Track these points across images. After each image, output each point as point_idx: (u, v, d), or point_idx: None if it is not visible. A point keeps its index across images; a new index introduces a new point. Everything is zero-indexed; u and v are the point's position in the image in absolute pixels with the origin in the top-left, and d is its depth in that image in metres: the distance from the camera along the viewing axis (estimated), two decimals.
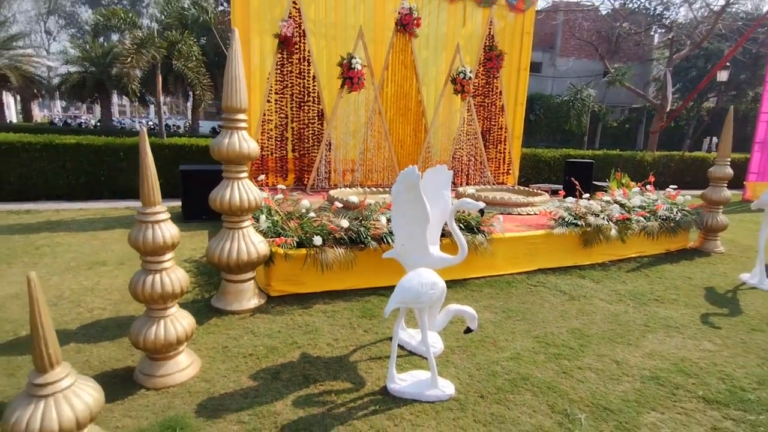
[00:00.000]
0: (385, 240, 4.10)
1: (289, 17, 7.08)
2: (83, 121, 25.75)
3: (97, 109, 22.74)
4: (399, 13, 7.57)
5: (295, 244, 3.88)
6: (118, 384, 2.61)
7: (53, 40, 46.34)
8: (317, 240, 3.84)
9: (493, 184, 8.62)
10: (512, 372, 2.90)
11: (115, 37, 17.99)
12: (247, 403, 2.49)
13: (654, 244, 5.73)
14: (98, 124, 21.78)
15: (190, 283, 3.84)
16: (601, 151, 12.55)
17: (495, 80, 8.71)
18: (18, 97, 21.96)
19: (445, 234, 3.61)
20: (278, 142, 7.52)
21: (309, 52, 7.35)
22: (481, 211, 4.04)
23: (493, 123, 8.94)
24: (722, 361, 3.18)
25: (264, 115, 7.29)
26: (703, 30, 13.54)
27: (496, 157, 9.10)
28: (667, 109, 13.37)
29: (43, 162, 7.78)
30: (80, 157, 7.95)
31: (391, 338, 3.22)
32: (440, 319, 2.65)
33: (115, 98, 25.19)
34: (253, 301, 3.71)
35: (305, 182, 7.55)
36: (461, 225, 4.56)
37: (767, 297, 4.47)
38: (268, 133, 7.40)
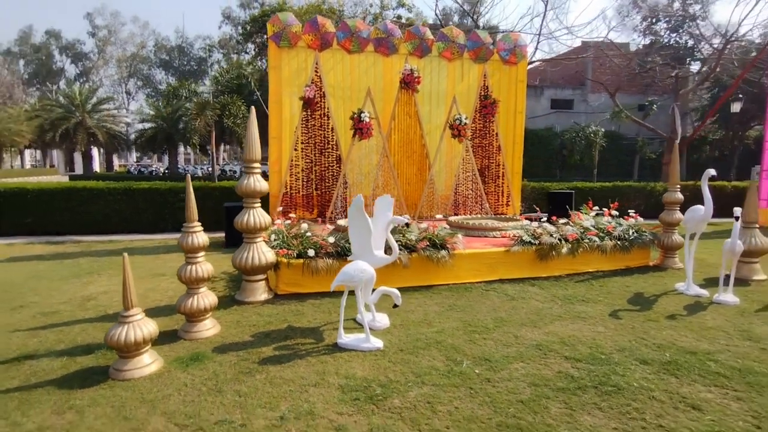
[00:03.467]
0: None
1: (312, 83, 8.85)
2: (153, 169, 29.44)
3: (166, 158, 26.06)
4: (402, 73, 9.16)
5: (296, 255, 5.30)
6: (168, 337, 4.07)
7: (132, 99, 52.93)
8: (311, 252, 5.24)
9: (492, 214, 9.71)
10: (431, 339, 4.07)
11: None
12: (244, 347, 3.85)
13: (611, 260, 6.62)
14: (166, 171, 25.00)
15: (225, 286, 5.35)
16: (611, 183, 13.25)
17: (491, 124, 9.99)
18: (101, 150, 25.76)
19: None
20: (305, 183, 9.16)
21: (328, 108, 9.04)
22: (407, 224, 5.07)
23: (491, 161, 10.15)
24: (602, 337, 4.16)
25: (292, 160, 8.98)
26: (713, 64, 14.12)
27: (495, 191, 10.23)
28: (677, 141, 13.87)
29: (122, 203, 9.86)
30: (150, 198, 9.98)
31: (355, 318, 4.50)
32: (373, 296, 3.92)
33: (181, 148, 28.76)
34: (263, 296, 5.13)
35: (326, 215, 9.06)
36: (431, 243, 5.82)
37: (682, 301, 5.29)
38: (295, 175, 9.07)
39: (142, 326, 3.33)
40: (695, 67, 24.19)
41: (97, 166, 27.02)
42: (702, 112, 26.64)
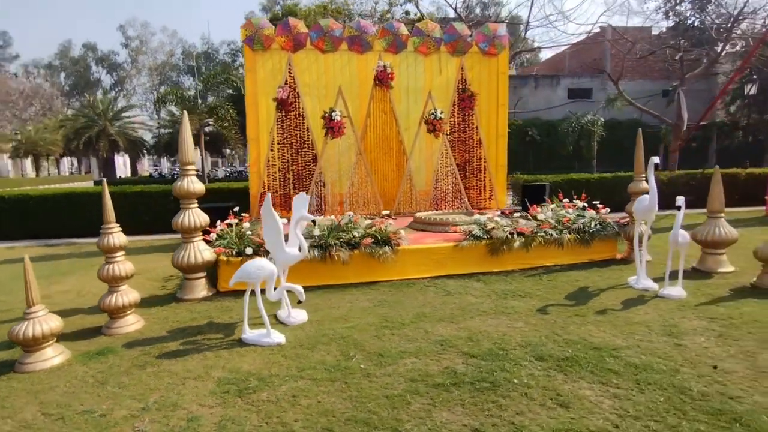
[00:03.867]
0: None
1: (285, 84, 9.00)
2: (166, 172, 30.52)
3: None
4: (375, 70, 9.16)
5: (235, 253, 5.45)
6: (92, 333, 4.29)
7: (163, 106, 55.11)
8: (249, 250, 5.37)
9: (471, 209, 9.56)
10: (338, 334, 4.11)
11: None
12: (154, 342, 4.02)
13: (571, 254, 6.43)
14: (173, 174, 25.94)
15: (175, 283, 5.57)
16: (611, 174, 12.76)
17: (470, 117, 9.84)
18: (127, 156, 27.07)
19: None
20: (282, 182, 9.33)
21: (303, 109, 9.17)
22: (314, 221, 4.89)
23: (471, 155, 10.00)
24: (515, 333, 4.08)
25: (269, 161, 9.17)
26: (719, 48, 13.24)
27: (477, 186, 10.08)
28: (683, 128, 13.15)
29: (117, 206, 10.32)
30: (143, 201, 10.43)
31: (276, 314, 4.60)
32: (276, 292, 4.00)
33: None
34: (203, 293, 5.31)
35: None
36: (376, 239, 5.84)
37: (626, 295, 5.09)
38: (272, 175, 9.25)
39: (43, 322, 3.55)
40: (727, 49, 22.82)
41: (122, 172, 28.49)
42: (733, 95, 25.17)
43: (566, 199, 7.36)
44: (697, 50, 15.99)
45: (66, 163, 42.89)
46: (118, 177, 24.90)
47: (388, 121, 9.52)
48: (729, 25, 13.57)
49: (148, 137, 26.07)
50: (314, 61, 9.42)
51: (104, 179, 4.88)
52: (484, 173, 10.04)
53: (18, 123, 35.00)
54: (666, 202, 10.86)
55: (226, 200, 9.84)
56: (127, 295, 4.32)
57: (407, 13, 23.88)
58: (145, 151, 25.39)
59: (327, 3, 22.46)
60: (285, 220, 4.46)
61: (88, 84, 54.02)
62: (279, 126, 9.11)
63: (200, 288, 5.33)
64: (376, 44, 9.43)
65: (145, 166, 42.66)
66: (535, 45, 36.09)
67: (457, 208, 9.58)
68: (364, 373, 3.40)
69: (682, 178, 12.81)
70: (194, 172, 5.28)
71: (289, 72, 9.03)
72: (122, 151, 24.15)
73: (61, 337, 4.01)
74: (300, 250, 4.39)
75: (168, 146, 21.61)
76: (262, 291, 4.05)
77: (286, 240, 4.40)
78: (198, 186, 5.22)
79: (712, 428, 2.63)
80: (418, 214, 7.89)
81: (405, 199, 9.56)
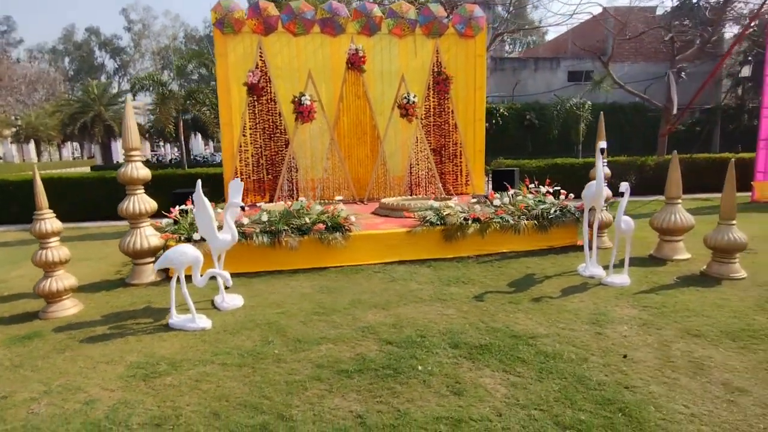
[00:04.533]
0: (249, 237, 5.53)
1: (256, 68, 8.92)
2: (163, 157, 30.53)
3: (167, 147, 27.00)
4: (347, 53, 9.04)
5: (183, 238, 5.48)
6: (22, 318, 4.38)
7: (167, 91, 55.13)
8: (197, 236, 5.39)
9: (445, 194, 9.47)
10: (266, 320, 4.14)
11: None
12: (84, 326, 4.09)
13: (529, 240, 6.37)
14: (173, 159, 26.13)
15: (129, 268, 5.62)
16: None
17: (446, 101, 9.70)
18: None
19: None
20: (255, 168, 9.32)
21: (275, 93, 9.10)
22: (242, 207, 4.82)
23: (447, 140, 9.89)
24: (441, 320, 4.07)
25: (241, 146, 9.15)
26: (710, 28, 12.81)
27: (453, 171, 9.99)
28: (674, 112, 12.81)
29: (95, 192, 10.45)
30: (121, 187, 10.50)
31: (213, 300, 4.64)
32: (202, 278, 4.03)
33: (198, 137, 29.85)
34: (150, 278, 5.37)
35: (274, 199, 9.21)
36: (327, 225, 5.83)
37: (570, 282, 5.04)
38: (245, 161, 9.24)
39: None
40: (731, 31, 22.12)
41: (121, 158, 28.76)
42: (737, 78, 24.48)
43: (532, 185, 7.28)
44: (692, 31, 15.52)
45: (69, 148, 43.32)
46: (115, 162, 25.16)
47: (362, 106, 9.42)
48: (720, 5, 13.13)
49: (144, 122, 26.19)
50: (286, 44, 9.30)
51: (35, 167, 4.89)
52: (460, 158, 9.94)
53: (23, 108, 35.36)
54: (653, 188, 10.81)
55: (204, 186, 9.87)
56: (63, 280, 4.38)
57: None
58: (142, 136, 25.57)
59: None
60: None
61: (92, 69, 54.15)
62: (251, 111, 9.06)
63: (148, 273, 5.39)
64: (349, 27, 9.28)
65: (147, 152, 42.95)
66: (537, 25, 35.35)
67: (432, 193, 9.52)
68: (276, 359, 3.43)
69: (668, 163, 12.56)
70: (139, 158, 5.29)
71: (260, 56, 8.94)
72: (118, 137, 24.32)
73: (1, 321, 4.11)
74: (231, 237, 4.41)
75: (162, 130, 21.70)
76: (188, 278, 4.08)
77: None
78: (143, 172, 5.24)
79: (593, 417, 2.62)
80: (383, 200, 7.85)
81: (379, 185, 9.52)
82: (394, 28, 9.41)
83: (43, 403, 2.91)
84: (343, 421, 2.65)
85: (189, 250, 3.97)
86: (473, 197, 8.21)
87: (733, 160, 5.14)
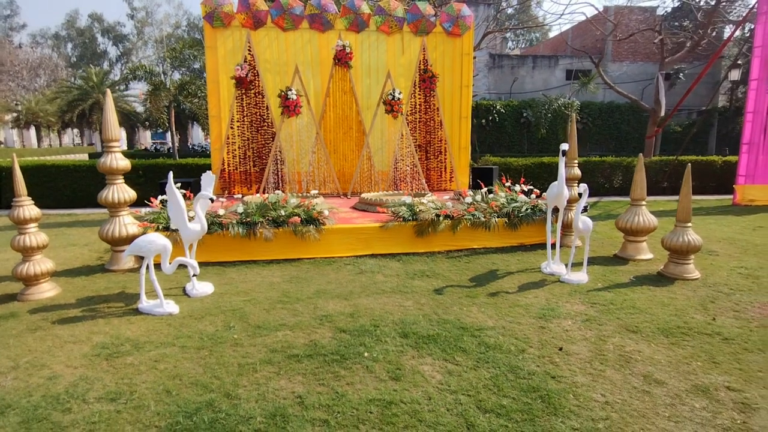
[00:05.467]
0: (226, 227, 5.73)
1: (244, 62, 9.07)
2: (158, 146, 30.66)
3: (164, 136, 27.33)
4: (335, 49, 9.18)
5: (162, 227, 5.69)
6: (1, 299, 4.59)
7: (168, 79, 55.20)
8: (173, 225, 5.59)
9: (428, 190, 9.63)
10: (232, 307, 4.35)
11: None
12: (59, 309, 4.30)
13: (500, 237, 6.55)
14: (171, 149, 26.34)
15: (110, 255, 5.82)
16: (583, 158, 12.69)
17: (432, 99, 9.85)
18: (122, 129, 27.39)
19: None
20: (242, 160, 9.51)
21: (263, 87, 9.26)
22: (211, 199, 4.96)
23: (433, 136, 10.05)
24: (398, 311, 4.27)
25: (228, 138, 9.33)
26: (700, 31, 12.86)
27: (437, 167, 10.17)
28: (661, 114, 12.91)
29: (87, 180, 10.65)
30: None
31: (184, 287, 4.84)
32: (170, 266, 4.23)
33: (196, 126, 30.02)
34: (128, 264, 5.58)
35: (260, 191, 9.40)
36: (302, 218, 6.03)
37: (530, 278, 5.24)
38: (232, 153, 9.43)
39: None
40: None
41: (123, 146, 29.00)
42: (742, 80, 24.41)
43: (507, 184, 7.46)
44: (684, 33, 15.57)
45: (70, 134, 43.49)
46: None
47: (348, 101, 9.59)
48: (711, 7, 13.19)
49: (143, 111, 26.37)
50: (275, 39, 9.46)
51: (14, 154, 5.06)
52: (445, 155, 10.11)
53: (25, 94, 35.54)
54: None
55: (197, 177, 10.08)
56: (41, 264, 4.59)
57: None
58: (140, 125, 25.75)
59: None
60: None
61: (94, 55, 54.11)
62: (238, 104, 9.23)
63: (127, 259, 5.59)
64: (337, 23, 9.43)
65: (148, 140, 43.18)
66: (528, 25, 35.42)
67: (416, 189, 9.70)
68: (233, 343, 3.64)
69: (655, 165, 12.73)
70: (118, 149, 5.48)
71: (249, 50, 9.09)
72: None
73: None
74: (200, 227, 4.61)
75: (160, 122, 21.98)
76: (157, 265, 4.28)
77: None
78: (122, 162, 5.43)
79: (513, 403, 2.82)
80: (363, 195, 8.03)
81: (364, 180, 9.70)
82: (382, 26, 9.55)
83: (9, 378, 3.12)
84: (284, 401, 2.86)
85: (157, 239, 4.18)
86: (455, 194, 8.39)
87: (689, 165, 5.29)
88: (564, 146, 5.26)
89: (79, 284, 5.07)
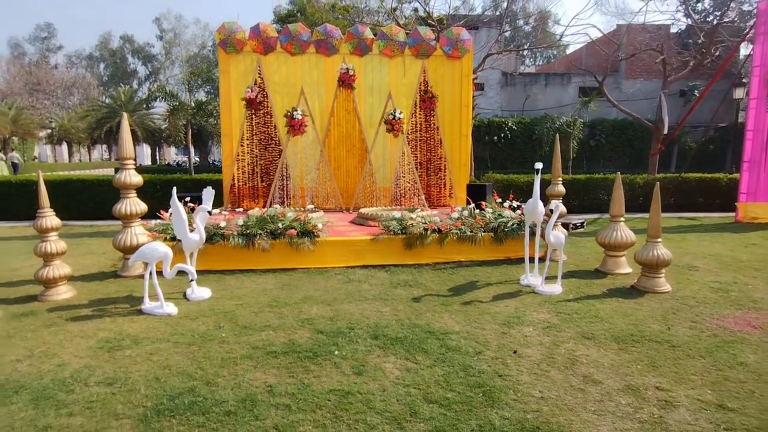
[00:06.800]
0: (227, 238, 6.22)
1: (255, 84, 9.70)
2: (180, 161, 31.96)
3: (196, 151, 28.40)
4: (339, 72, 9.75)
5: (170, 237, 6.21)
6: (25, 299, 5.15)
7: (193, 96, 57.32)
8: (177, 235, 6.11)
9: (426, 206, 9.98)
10: (224, 309, 4.79)
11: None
12: (73, 308, 4.82)
13: (486, 251, 6.87)
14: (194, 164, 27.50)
15: (121, 262, 6.38)
16: (584, 176, 12.91)
17: (432, 118, 10.29)
18: (146, 145, 28.74)
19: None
20: (250, 175, 10.09)
21: (271, 107, 9.87)
22: (209, 212, 5.44)
23: (433, 154, 10.46)
24: (374, 316, 4.64)
25: (238, 155, 9.93)
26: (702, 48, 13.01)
27: (437, 183, 10.55)
28: (664, 132, 13.01)
29: (109, 193, 11.37)
30: None
31: (185, 292, 5.32)
32: (171, 271, 4.72)
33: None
34: (138, 271, 6.11)
35: (266, 204, 9.93)
36: (298, 231, 6.48)
37: (506, 289, 5.53)
38: (242, 169, 10.02)
39: None
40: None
41: (146, 161, 30.38)
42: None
43: (499, 200, 7.78)
44: (689, 52, 15.70)
45: (99, 150, 45.58)
46: (138, 165, 26.70)
47: (352, 120, 10.11)
48: (712, 28, 13.35)
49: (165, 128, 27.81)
50: (284, 62, 10.09)
51: (39, 171, 5.63)
52: (445, 172, 10.49)
53: (58, 111, 37.61)
54: (640, 205, 11.24)
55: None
56: (60, 269, 5.14)
57: (416, 10, 24.12)
58: (164, 141, 27.09)
59: (335, 1, 23.11)
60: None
61: (124, 74, 56.75)
62: (248, 123, 9.84)
63: (137, 266, 6.13)
64: (342, 47, 10.00)
65: (172, 155, 44.88)
66: (526, 47, 35.96)
67: (417, 204, 10.07)
68: (220, 341, 4.07)
69: (658, 182, 12.79)
70: (132, 166, 6.06)
71: (259, 73, 9.73)
72: (141, 141, 25.91)
73: (1, 301, 4.88)
74: (199, 238, 5.10)
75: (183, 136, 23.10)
76: (160, 272, 4.77)
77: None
78: (135, 178, 6.01)
79: (457, 396, 3.15)
80: (361, 210, 8.46)
81: (366, 195, 10.14)
82: (385, 49, 10.09)
83: (24, 364, 3.61)
84: (255, 389, 3.26)
85: (159, 247, 4.67)
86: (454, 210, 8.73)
87: (657, 184, 5.56)
88: (538, 165, 5.59)
89: (92, 288, 5.60)
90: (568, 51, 40.99)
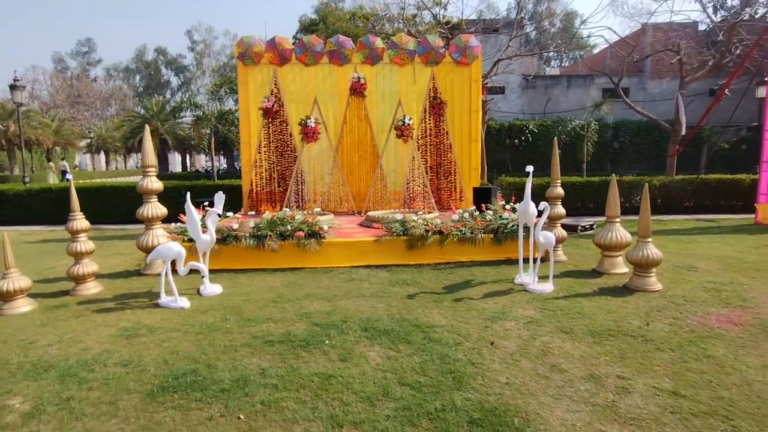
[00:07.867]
0: (239, 240, 6.68)
1: (271, 94, 10.24)
2: (209, 168, 33.02)
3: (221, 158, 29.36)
4: (350, 81, 10.17)
5: (187, 239, 6.73)
6: (57, 294, 5.73)
7: (222, 105, 59.21)
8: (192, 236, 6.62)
9: (436, 209, 10.24)
10: (232, 304, 5.22)
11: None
12: (98, 302, 5.36)
13: (486, 252, 7.10)
14: (221, 170, 28.49)
15: (144, 262, 6.94)
16: (598, 178, 12.87)
17: (441, 123, 10.57)
18: (185, 152, 30.04)
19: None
20: (267, 181, 10.62)
21: (287, 116, 10.38)
22: (219, 215, 5.91)
23: (443, 158, 10.73)
24: (369, 311, 4.97)
25: (256, 161, 10.47)
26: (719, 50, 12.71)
27: (447, 187, 10.80)
28: (682, 133, 12.78)
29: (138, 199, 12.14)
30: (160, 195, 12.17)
31: (198, 289, 5.80)
32: (185, 268, 5.19)
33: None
34: (159, 269, 6.63)
35: (282, 207, 10.41)
36: (306, 232, 6.90)
37: (500, 288, 5.76)
38: (260, 175, 10.56)
39: (15, 281, 4.97)
40: None
41: (177, 167, 31.83)
42: None
43: (502, 202, 7.99)
44: (708, 51, 15.37)
45: (134, 158, 47.83)
46: (169, 171, 28.08)
47: (363, 127, 10.51)
48: (728, 27, 13.07)
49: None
50: (298, 73, 10.60)
51: (71, 178, 6.29)
52: (455, 175, 10.73)
53: (97, 122, 39.78)
54: (657, 208, 11.23)
55: (229, 196, 11.30)
56: (89, 266, 5.71)
57: (435, 16, 24.43)
58: (193, 149, 28.41)
59: (356, 9, 23.71)
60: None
61: (158, 85, 59.23)
62: (265, 131, 10.38)
63: (158, 265, 6.66)
64: (354, 57, 10.43)
65: (202, 162, 46.56)
66: (532, 53, 35.70)
67: (426, 207, 10.35)
68: (225, 331, 4.49)
69: (676, 184, 12.66)
70: (154, 173, 6.62)
71: (275, 84, 10.26)
72: (171, 149, 27.22)
73: (38, 295, 5.48)
74: (210, 239, 5.57)
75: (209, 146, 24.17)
76: (174, 270, 5.25)
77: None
78: (156, 185, 6.56)
79: (429, 380, 3.45)
80: (369, 213, 8.82)
81: (377, 199, 10.49)
82: (395, 58, 10.45)
83: (54, 348, 4.12)
84: (249, 371, 3.65)
85: (174, 246, 5.15)
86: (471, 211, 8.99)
87: (646, 185, 5.68)
88: (529, 168, 5.81)
89: (117, 284, 6.16)
90: (595, 51, 40.38)
